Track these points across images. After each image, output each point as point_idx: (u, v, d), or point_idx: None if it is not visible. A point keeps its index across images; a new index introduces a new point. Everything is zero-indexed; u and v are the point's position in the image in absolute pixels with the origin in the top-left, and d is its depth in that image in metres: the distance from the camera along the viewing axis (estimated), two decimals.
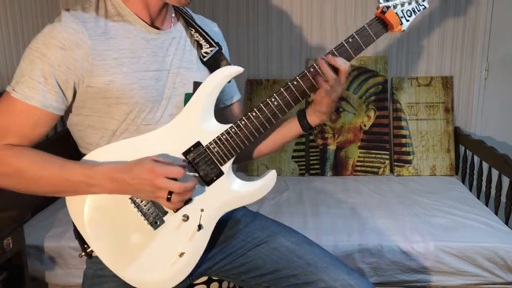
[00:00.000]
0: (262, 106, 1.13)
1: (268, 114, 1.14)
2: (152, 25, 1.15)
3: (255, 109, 1.13)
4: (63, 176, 1.04)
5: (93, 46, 1.05)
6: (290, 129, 1.25)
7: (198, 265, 1.18)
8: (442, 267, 2.04)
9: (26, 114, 1.03)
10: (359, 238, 2.10)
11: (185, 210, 1.12)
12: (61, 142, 2.44)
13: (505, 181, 2.37)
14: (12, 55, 2.40)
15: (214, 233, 1.17)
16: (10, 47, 2.38)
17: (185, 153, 1.11)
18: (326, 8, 2.92)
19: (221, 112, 1.30)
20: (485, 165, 2.63)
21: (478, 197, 2.62)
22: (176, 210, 1.11)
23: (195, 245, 1.14)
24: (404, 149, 2.91)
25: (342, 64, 1.11)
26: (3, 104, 1.05)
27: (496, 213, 2.39)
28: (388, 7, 1.14)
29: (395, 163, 2.92)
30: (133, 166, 1.03)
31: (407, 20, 1.17)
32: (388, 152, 2.92)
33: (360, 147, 2.92)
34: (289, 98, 1.14)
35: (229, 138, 1.12)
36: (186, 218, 1.12)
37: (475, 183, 2.77)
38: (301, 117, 1.23)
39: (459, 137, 2.91)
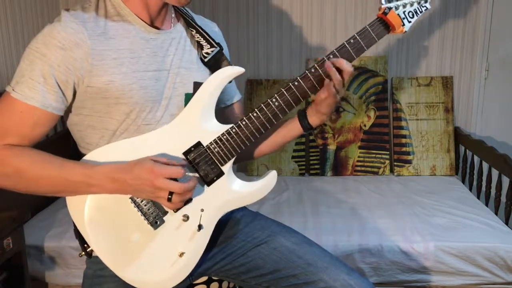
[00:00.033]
0: (263, 106, 1.13)
1: (269, 114, 1.14)
2: (152, 25, 1.15)
3: (256, 109, 1.14)
4: (63, 176, 1.04)
5: (92, 46, 1.05)
6: (291, 129, 1.25)
7: (198, 265, 1.18)
8: (442, 267, 2.04)
9: (26, 114, 1.03)
10: (359, 238, 2.10)
11: (185, 210, 1.12)
12: (61, 142, 2.44)
13: (505, 181, 2.37)
14: (12, 55, 2.40)
15: (214, 233, 1.17)
16: (10, 47, 2.38)
17: (186, 153, 1.10)
18: (326, 8, 2.92)
19: (222, 112, 1.30)
20: (485, 165, 2.63)
21: (478, 197, 2.62)
22: (176, 210, 1.11)
23: (195, 245, 1.14)
24: (404, 149, 2.91)
25: (347, 66, 1.11)
26: (3, 104, 1.05)
27: (496, 213, 2.39)
28: (390, 8, 1.14)
29: (395, 163, 2.92)
30: (133, 166, 1.03)
31: (409, 22, 1.17)
32: (388, 152, 2.92)
33: (360, 147, 2.92)
34: (290, 99, 1.14)
35: (229, 138, 1.12)
36: (186, 218, 1.12)
37: (475, 183, 2.77)
38: (302, 117, 1.23)
39: (459, 137, 2.91)
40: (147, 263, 1.12)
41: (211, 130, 1.12)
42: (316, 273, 1.18)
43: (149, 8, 1.13)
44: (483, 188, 2.65)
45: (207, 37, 1.22)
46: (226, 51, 1.30)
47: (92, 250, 1.13)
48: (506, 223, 2.29)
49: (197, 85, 1.15)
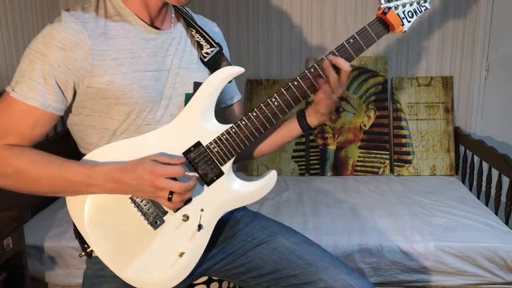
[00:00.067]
0: (263, 106, 1.13)
1: (269, 114, 1.14)
2: (152, 25, 1.15)
3: (255, 109, 1.14)
4: (63, 176, 1.04)
5: (93, 46, 1.05)
6: (290, 129, 1.25)
7: (198, 265, 1.18)
8: (442, 267, 2.05)
9: (26, 114, 1.03)
10: (359, 238, 2.10)
11: (185, 210, 1.12)
12: (61, 142, 2.44)
13: (505, 181, 2.37)
14: (12, 55, 2.40)
15: (214, 233, 1.17)
16: (10, 47, 2.38)
17: (185, 153, 1.10)
18: (326, 8, 2.92)
19: (222, 112, 1.30)
20: (485, 165, 2.63)
21: (478, 197, 2.62)
22: (176, 210, 1.11)
23: (195, 245, 1.14)
24: (404, 149, 2.91)
25: (344, 64, 1.11)
26: (3, 104, 1.05)
27: (496, 213, 2.39)
28: (389, 8, 1.14)
29: (395, 163, 2.92)
30: (133, 166, 1.03)
31: (409, 21, 1.17)
32: (388, 152, 2.92)
33: (360, 147, 2.92)
34: (289, 98, 1.14)
35: (229, 138, 1.12)
36: (186, 218, 1.12)
37: (475, 183, 2.77)
38: (301, 117, 1.23)
39: (459, 137, 2.91)
40: (147, 263, 1.12)
41: (210, 130, 1.12)
42: (316, 273, 1.18)
43: (149, 8, 1.13)
44: (483, 188, 2.65)
45: (207, 37, 1.22)
46: (226, 51, 1.30)
47: (92, 251, 1.13)
48: (506, 223, 2.29)
49: (197, 85, 1.15)
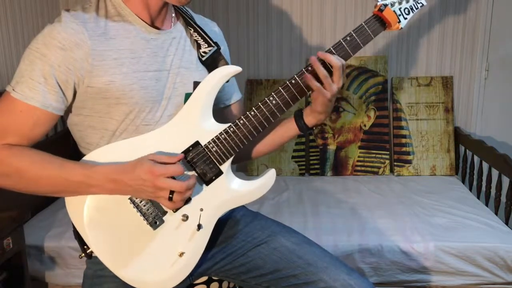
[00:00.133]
0: (261, 105, 1.13)
1: (267, 113, 1.13)
2: (152, 25, 1.15)
3: (253, 108, 1.14)
4: (62, 176, 1.04)
5: (93, 46, 1.05)
6: (288, 129, 1.25)
7: (198, 265, 1.18)
8: (442, 267, 2.04)
9: (26, 114, 1.03)
10: (359, 238, 2.10)
11: (185, 210, 1.12)
12: (61, 142, 2.44)
13: (505, 181, 2.37)
14: (12, 55, 2.40)
15: (214, 233, 1.17)
16: (10, 47, 2.38)
17: (184, 153, 1.10)
18: (326, 8, 2.92)
19: (221, 112, 1.30)
20: (485, 165, 2.63)
21: (478, 197, 2.62)
22: (176, 210, 1.11)
23: (195, 245, 1.14)
24: (404, 149, 2.91)
25: (335, 60, 1.10)
26: (3, 104, 1.05)
27: (496, 213, 2.39)
28: (385, 5, 1.15)
29: (395, 163, 2.92)
30: (132, 166, 1.03)
31: (405, 18, 1.17)
32: (388, 152, 2.92)
33: (360, 147, 2.92)
34: (287, 97, 1.14)
35: (227, 137, 1.12)
36: (185, 218, 1.12)
37: (475, 183, 2.77)
38: (298, 117, 1.22)
39: (459, 137, 2.91)
40: (147, 263, 1.12)
41: (209, 130, 1.12)
42: (316, 273, 1.18)
43: (150, 8, 1.13)
44: (483, 188, 2.65)
45: (205, 36, 1.21)
46: (226, 51, 1.30)
47: (91, 251, 1.13)
48: (506, 223, 2.29)
49: (197, 85, 1.15)
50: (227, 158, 1.13)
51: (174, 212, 1.11)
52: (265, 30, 2.97)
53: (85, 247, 1.13)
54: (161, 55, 1.14)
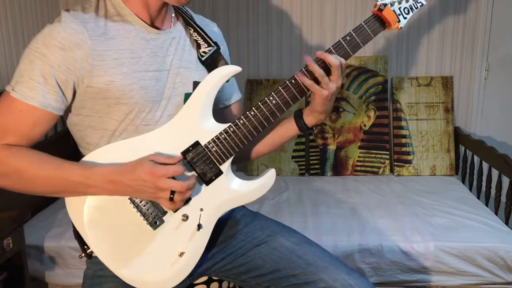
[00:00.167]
0: (261, 105, 1.13)
1: (267, 113, 1.13)
2: (152, 25, 1.15)
3: (253, 108, 1.14)
4: (61, 176, 1.04)
5: (93, 46, 1.05)
6: (288, 129, 1.25)
7: (198, 265, 1.18)
8: (442, 267, 2.04)
9: (25, 114, 1.03)
10: (359, 238, 2.10)
11: (185, 209, 1.12)
12: (61, 142, 2.44)
13: (505, 181, 2.37)
14: (12, 55, 2.40)
15: (214, 233, 1.17)
16: (10, 47, 2.38)
17: (184, 153, 1.10)
18: (326, 8, 2.92)
19: (221, 113, 1.30)
20: (485, 165, 2.63)
21: (478, 197, 2.61)
22: (176, 210, 1.11)
23: (195, 244, 1.14)
24: (404, 149, 2.91)
25: (333, 59, 1.10)
26: (3, 104, 1.05)
27: (496, 213, 2.39)
28: (385, 5, 1.15)
29: (395, 163, 2.92)
30: (132, 167, 1.03)
31: (405, 18, 1.17)
32: (388, 152, 2.92)
33: (360, 147, 2.92)
34: (287, 97, 1.14)
35: (227, 137, 1.12)
36: (185, 217, 1.12)
37: (475, 183, 2.77)
38: (298, 117, 1.22)
39: (459, 137, 2.91)
40: (147, 263, 1.12)
41: (209, 130, 1.12)
42: (316, 273, 1.18)
43: (149, 8, 1.13)
44: (483, 188, 2.65)
45: (205, 36, 1.21)
46: (226, 51, 1.30)
47: (92, 251, 1.13)
48: (506, 223, 2.29)
49: (196, 85, 1.15)
50: (227, 158, 1.13)
51: (174, 212, 1.11)
52: (265, 30, 2.97)
53: (85, 247, 1.13)
54: (161, 55, 1.14)
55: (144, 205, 1.10)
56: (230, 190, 1.15)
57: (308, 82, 1.11)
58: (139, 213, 1.10)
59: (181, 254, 1.13)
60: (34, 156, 1.05)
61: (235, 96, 1.34)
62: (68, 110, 1.11)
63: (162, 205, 1.08)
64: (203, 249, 1.15)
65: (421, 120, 2.91)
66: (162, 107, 1.14)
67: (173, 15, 1.20)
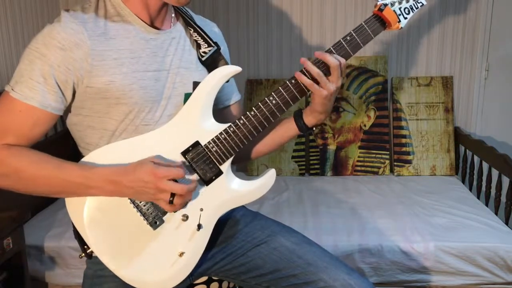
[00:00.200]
0: (261, 105, 1.13)
1: (267, 113, 1.13)
2: (152, 25, 1.15)
3: (253, 108, 1.13)
4: (61, 176, 1.04)
5: (92, 46, 1.05)
6: (288, 129, 1.25)
7: (198, 265, 1.18)
8: (442, 267, 2.04)
9: (25, 114, 1.03)
10: (359, 238, 2.10)
11: (185, 210, 1.12)
12: (61, 142, 2.44)
13: (505, 181, 2.37)
14: (12, 55, 2.40)
15: (214, 233, 1.17)
16: (10, 47, 2.38)
17: (184, 153, 1.10)
18: (326, 8, 2.92)
19: (220, 113, 1.30)
20: (485, 165, 2.63)
21: (478, 197, 2.62)
22: (175, 211, 1.11)
23: (195, 244, 1.14)
24: (404, 149, 2.91)
25: (332, 59, 1.10)
26: (2, 104, 1.05)
27: (496, 213, 2.39)
28: (385, 5, 1.15)
29: (395, 163, 2.92)
30: (133, 168, 1.03)
31: (405, 18, 1.17)
32: (388, 152, 2.92)
33: (360, 147, 2.92)
34: (287, 97, 1.14)
35: (227, 137, 1.12)
36: (185, 217, 1.12)
37: (475, 183, 2.77)
38: (298, 117, 1.22)
39: (459, 137, 2.91)
40: (147, 263, 1.12)
41: (209, 130, 1.12)
42: (316, 273, 1.18)
43: (149, 8, 1.13)
44: (483, 188, 2.65)
45: (205, 36, 1.21)
46: (226, 51, 1.30)
47: (92, 251, 1.13)
48: (506, 223, 2.29)
49: (196, 85, 1.15)
50: (227, 158, 1.13)
51: (174, 212, 1.11)
52: (265, 30, 2.97)
53: (85, 247, 1.13)
54: (160, 55, 1.14)
55: (144, 205, 1.10)
56: (230, 190, 1.15)
57: (307, 81, 1.12)
58: (139, 213, 1.10)
59: (181, 254, 1.13)
60: (34, 156, 1.05)
61: (235, 97, 1.34)
62: (67, 110, 1.11)
63: (162, 207, 1.08)
64: (203, 249, 1.15)
65: (421, 120, 2.91)
66: (161, 107, 1.14)
67: (173, 15, 1.20)
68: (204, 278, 1.28)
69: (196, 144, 1.11)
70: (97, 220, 1.10)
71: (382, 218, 2.26)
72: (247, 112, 1.13)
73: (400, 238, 2.09)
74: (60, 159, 1.06)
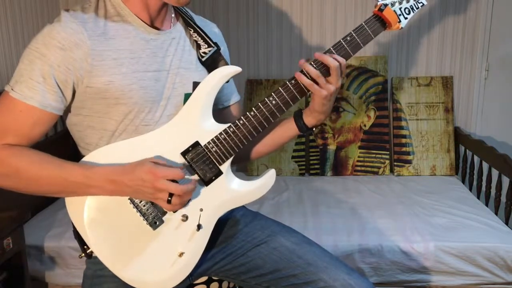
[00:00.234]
0: (260, 105, 1.13)
1: (266, 113, 1.13)
2: (152, 25, 1.15)
3: (253, 108, 1.14)
4: (62, 176, 1.04)
5: (92, 46, 1.05)
6: (288, 129, 1.25)
7: (198, 265, 1.18)
8: (442, 267, 2.04)
9: (25, 113, 1.03)
10: (359, 238, 2.10)
11: (184, 210, 1.12)
12: (61, 142, 2.44)
13: (505, 181, 2.37)
14: (12, 55, 2.40)
15: (214, 233, 1.17)
16: (10, 47, 2.38)
17: (184, 153, 1.10)
18: (326, 8, 2.92)
19: (220, 114, 1.30)
20: (485, 165, 2.63)
21: (478, 197, 2.61)
22: (175, 211, 1.11)
23: (194, 245, 1.14)
24: (404, 149, 2.91)
25: (331, 61, 1.10)
26: (2, 104, 1.05)
27: (496, 213, 2.39)
28: (386, 5, 1.15)
29: (395, 163, 2.92)
30: (133, 168, 1.03)
31: (405, 18, 1.17)
32: (388, 152, 2.92)
33: (360, 147, 2.92)
34: (287, 97, 1.14)
35: (227, 138, 1.12)
36: (185, 218, 1.12)
37: (475, 183, 2.77)
38: (298, 117, 1.22)
39: (459, 137, 2.91)
40: (147, 264, 1.12)
41: (209, 130, 1.12)
42: (316, 273, 1.18)
43: (149, 9, 1.13)
44: (483, 188, 2.65)
45: (205, 36, 1.21)
46: (225, 51, 1.30)
47: (91, 251, 1.13)
48: (506, 223, 2.29)
49: (196, 85, 1.15)
50: (227, 158, 1.13)
51: (174, 212, 1.11)
52: (265, 30, 2.97)
53: (85, 247, 1.13)
54: (160, 55, 1.14)
55: (144, 205, 1.10)
56: (230, 190, 1.15)
57: (307, 82, 1.12)
58: (138, 213, 1.10)
59: (181, 254, 1.13)
60: (34, 156, 1.05)
61: (234, 98, 1.34)
62: (67, 110, 1.11)
63: (161, 206, 1.08)
64: (203, 249, 1.16)
65: (421, 120, 2.91)
66: (161, 107, 1.14)
67: (173, 15, 1.20)
68: (204, 278, 1.28)
69: (196, 144, 1.11)
70: (97, 220, 1.10)
71: (382, 218, 2.26)
72: (247, 113, 1.13)
73: (400, 238, 2.09)
74: (60, 159, 1.06)
